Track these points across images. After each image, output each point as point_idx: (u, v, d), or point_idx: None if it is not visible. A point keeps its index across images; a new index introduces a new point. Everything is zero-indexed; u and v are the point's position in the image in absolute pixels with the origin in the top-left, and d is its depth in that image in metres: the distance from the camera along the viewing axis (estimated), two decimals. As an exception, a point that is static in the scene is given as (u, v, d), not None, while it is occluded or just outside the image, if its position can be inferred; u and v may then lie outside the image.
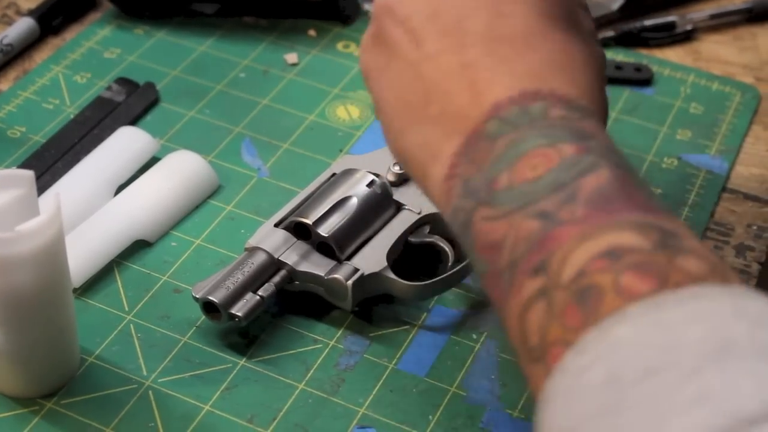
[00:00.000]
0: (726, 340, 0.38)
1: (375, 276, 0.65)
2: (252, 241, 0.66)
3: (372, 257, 0.66)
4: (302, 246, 0.66)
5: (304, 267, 0.65)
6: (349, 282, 0.64)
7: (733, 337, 0.38)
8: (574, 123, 0.48)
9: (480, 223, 0.47)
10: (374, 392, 0.63)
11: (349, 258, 0.66)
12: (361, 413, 0.61)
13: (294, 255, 0.65)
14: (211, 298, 0.63)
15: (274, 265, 0.65)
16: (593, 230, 0.43)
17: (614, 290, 0.41)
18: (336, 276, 0.64)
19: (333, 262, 0.65)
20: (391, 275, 0.65)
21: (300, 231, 0.66)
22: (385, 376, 0.63)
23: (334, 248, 0.65)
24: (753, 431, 0.36)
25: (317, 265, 0.65)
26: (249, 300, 0.63)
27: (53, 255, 0.57)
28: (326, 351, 0.65)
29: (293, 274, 0.65)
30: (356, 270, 0.65)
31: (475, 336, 0.66)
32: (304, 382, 0.63)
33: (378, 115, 0.56)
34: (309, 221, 0.66)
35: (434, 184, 0.51)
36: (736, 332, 0.39)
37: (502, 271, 0.46)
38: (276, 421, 0.61)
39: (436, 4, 0.53)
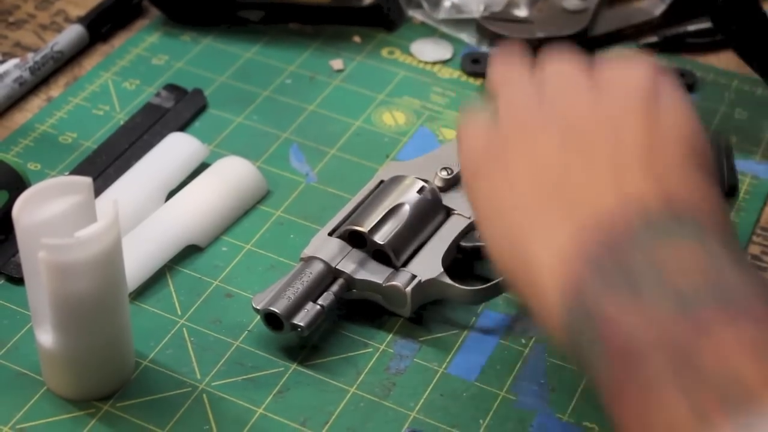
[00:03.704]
0: None
1: (432, 282, 0.66)
2: (308, 251, 0.66)
3: (427, 263, 0.66)
4: (358, 254, 0.66)
5: (361, 275, 0.65)
6: (408, 289, 0.65)
7: None
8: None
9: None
10: (425, 396, 0.63)
11: (404, 265, 0.66)
12: (412, 417, 0.62)
13: (351, 263, 0.66)
14: (272, 309, 0.63)
15: (331, 274, 0.65)
16: None
17: None
18: (394, 283, 0.65)
19: (390, 270, 0.66)
20: (448, 280, 0.65)
21: (354, 239, 0.67)
22: (435, 381, 0.64)
23: (391, 255, 0.66)
24: None
25: (374, 273, 0.66)
26: (310, 310, 0.64)
27: (111, 260, 0.58)
28: (377, 355, 0.65)
29: (351, 283, 0.66)
30: (414, 276, 0.65)
31: (523, 340, 0.66)
32: (355, 386, 0.64)
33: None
34: (364, 229, 0.66)
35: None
36: None
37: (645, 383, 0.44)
38: (328, 424, 0.61)
39: None
